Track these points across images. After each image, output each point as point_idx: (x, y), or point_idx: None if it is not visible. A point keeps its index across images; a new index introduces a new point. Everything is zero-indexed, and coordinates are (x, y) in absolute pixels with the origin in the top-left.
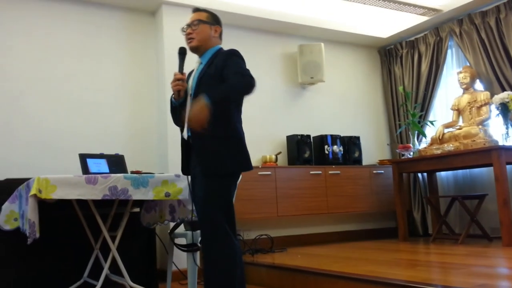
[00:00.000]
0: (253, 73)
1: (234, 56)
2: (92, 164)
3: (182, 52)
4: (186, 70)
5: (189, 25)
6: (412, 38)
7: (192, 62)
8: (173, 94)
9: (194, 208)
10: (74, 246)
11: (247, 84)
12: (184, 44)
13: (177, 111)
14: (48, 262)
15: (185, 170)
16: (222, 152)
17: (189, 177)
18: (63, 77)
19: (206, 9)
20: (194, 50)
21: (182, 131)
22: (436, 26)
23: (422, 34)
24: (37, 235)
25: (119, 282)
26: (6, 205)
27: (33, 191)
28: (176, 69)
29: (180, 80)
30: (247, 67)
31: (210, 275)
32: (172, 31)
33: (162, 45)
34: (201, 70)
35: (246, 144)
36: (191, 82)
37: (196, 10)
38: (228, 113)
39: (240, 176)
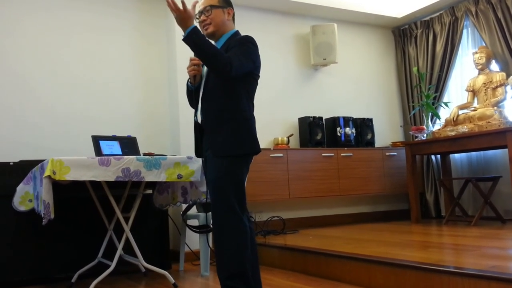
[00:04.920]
0: (265, 54)
1: (248, 43)
2: (104, 146)
3: None
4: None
5: (201, 12)
6: (427, 18)
7: None
8: (189, 78)
9: (207, 190)
10: (88, 227)
11: (224, 64)
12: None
13: (193, 95)
14: (63, 243)
15: (198, 152)
16: (232, 134)
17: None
18: (74, 59)
19: None
20: (211, 36)
21: (196, 114)
22: (451, 6)
23: (437, 14)
24: (52, 216)
25: (133, 262)
26: (20, 187)
27: (47, 172)
28: (190, 53)
29: (196, 65)
30: (259, 50)
31: (220, 255)
32: None
33: (173, 25)
34: None
35: (258, 126)
36: (206, 67)
37: None
38: (235, 99)
39: (252, 159)
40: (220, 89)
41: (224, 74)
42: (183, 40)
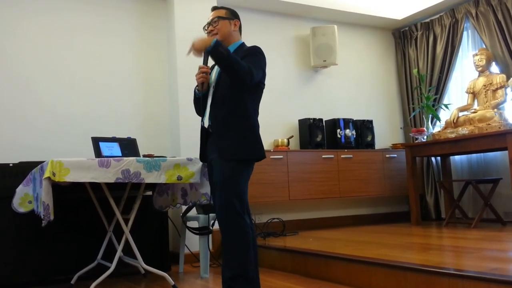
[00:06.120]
0: (265, 56)
1: (258, 53)
2: (104, 147)
3: None
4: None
5: (209, 23)
6: (427, 20)
7: None
8: (197, 85)
9: (210, 192)
10: (88, 229)
11: (246, 73)
12: (198, 32)
13: (200, 102)
14: (62, 245)
15: (203, 157)
16: (238, 139)
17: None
18: (74, 60)
19: (223, 6)
20: None
21: (203, 120)
22: (451, 7)
23: (437, 16)
24: (52, 217)
25: (132, 264)
26: (20, 188)
27: (47, 174)
28: (190, 55)
29: (204, 73)
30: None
31: (225, 254)
32: (183, 14)
33: (174, 28)
34: None
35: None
36: (214, 75)
37: (215, 8)
38: (243, 107)
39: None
40: (228, 97)
41: (245, 82)
42: (210, 52)
